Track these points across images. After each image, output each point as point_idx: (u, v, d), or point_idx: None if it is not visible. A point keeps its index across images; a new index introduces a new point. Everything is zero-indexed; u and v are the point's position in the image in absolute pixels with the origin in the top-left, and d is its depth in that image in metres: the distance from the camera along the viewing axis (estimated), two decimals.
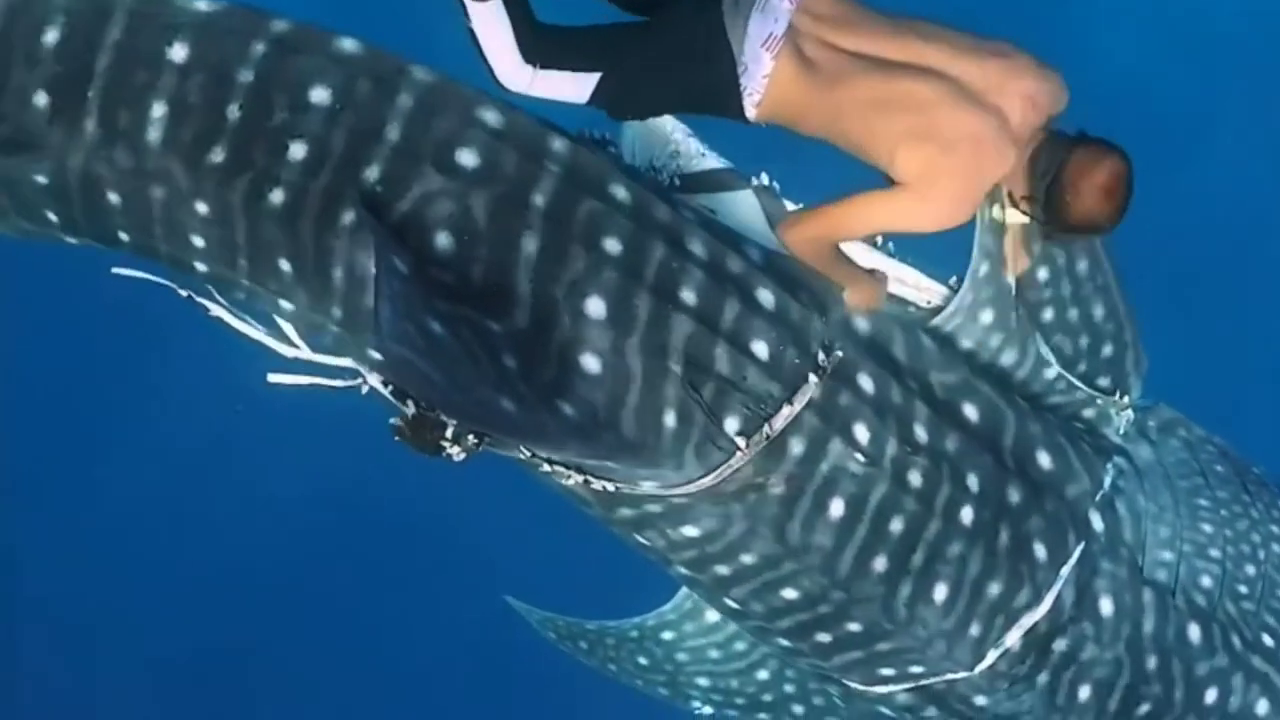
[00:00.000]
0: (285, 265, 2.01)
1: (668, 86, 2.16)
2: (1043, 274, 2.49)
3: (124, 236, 2.07)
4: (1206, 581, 2.55)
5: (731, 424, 2.11)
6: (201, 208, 1.98)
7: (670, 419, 2.07)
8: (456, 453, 2.09)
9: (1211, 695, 2.53)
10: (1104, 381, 2.58)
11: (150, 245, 2.07)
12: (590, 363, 2.01)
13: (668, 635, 2.95)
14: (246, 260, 2.03)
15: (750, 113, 2.15)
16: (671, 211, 2.14)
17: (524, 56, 2.07)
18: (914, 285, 2.51)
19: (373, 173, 1.96)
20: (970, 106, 2.09)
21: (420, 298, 1.90)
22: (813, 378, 2.17)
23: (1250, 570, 2.61)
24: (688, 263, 2.09)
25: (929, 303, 2.50)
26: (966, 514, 2.28)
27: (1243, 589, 2.59)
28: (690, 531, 2.23)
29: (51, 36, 1.94)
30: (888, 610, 2.28)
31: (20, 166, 1.98)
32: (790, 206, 2.43)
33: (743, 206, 2.38)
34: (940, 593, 2.28)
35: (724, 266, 2.15)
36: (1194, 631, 2.52)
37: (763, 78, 2.11)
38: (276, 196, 1.96)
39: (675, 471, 2.12)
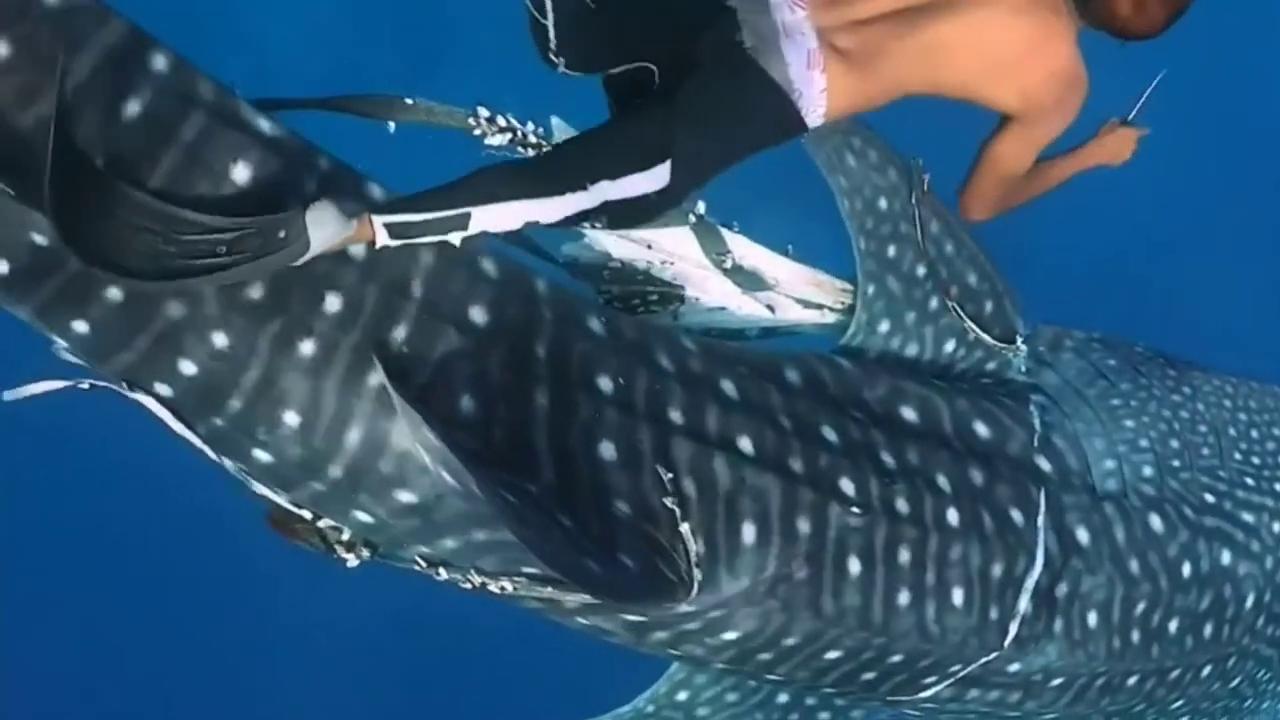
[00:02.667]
0: (292, 419, 1.97)
1: (734, 144, 2.17)
2: (920, 270, 2.71)
3: (80, 327, 1.90)
4: (1147, 471, 2.78)
5: (749, 531, 2.20)
6: (220, 340, 1.90)
7: (700, 545, 2.14)
8: (350, 559, 2.19)
9: (1187, 569, 2.77)
10: (996, 332, 2.78)
11: (108, 347, 1.92)
12: (621, 508, 2.08)
13: (682, 695, 3.00)
14: (243, 403, 1.95)
15: (818, 126, 2.21)
16: (632, 326, 2.28)
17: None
18: (828, 287, 2.72)
19: (400, 332, 1.97)
20: (1004, 15, 2.20)
21: (477, 472, 1.91)
22: (794, 455, 2.28)
23: (1175, 444, 2.85)
24: (665, 380, 2.21)
25: (842, 303, 2.71)
26: (952, 515, 2.43)
27: (1175, 463, 2.83)
28: (730, 636, 2.30)
29: (134, 109, 1.85)
30: (923, 633, 2.41)
31: (26, 222, 1.83)
32: (730, 240, 2.58)
33: (680, 251, 2.55)
34: (959, 596, 2.42)
35: (690, 370, 2.27)
36: (1155, 521, 2.74)
37: (820, 94, 2.15)
38: (306, 348, 1.94)
39: (711, 592, 2.18)
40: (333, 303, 1.94)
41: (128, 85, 1.85)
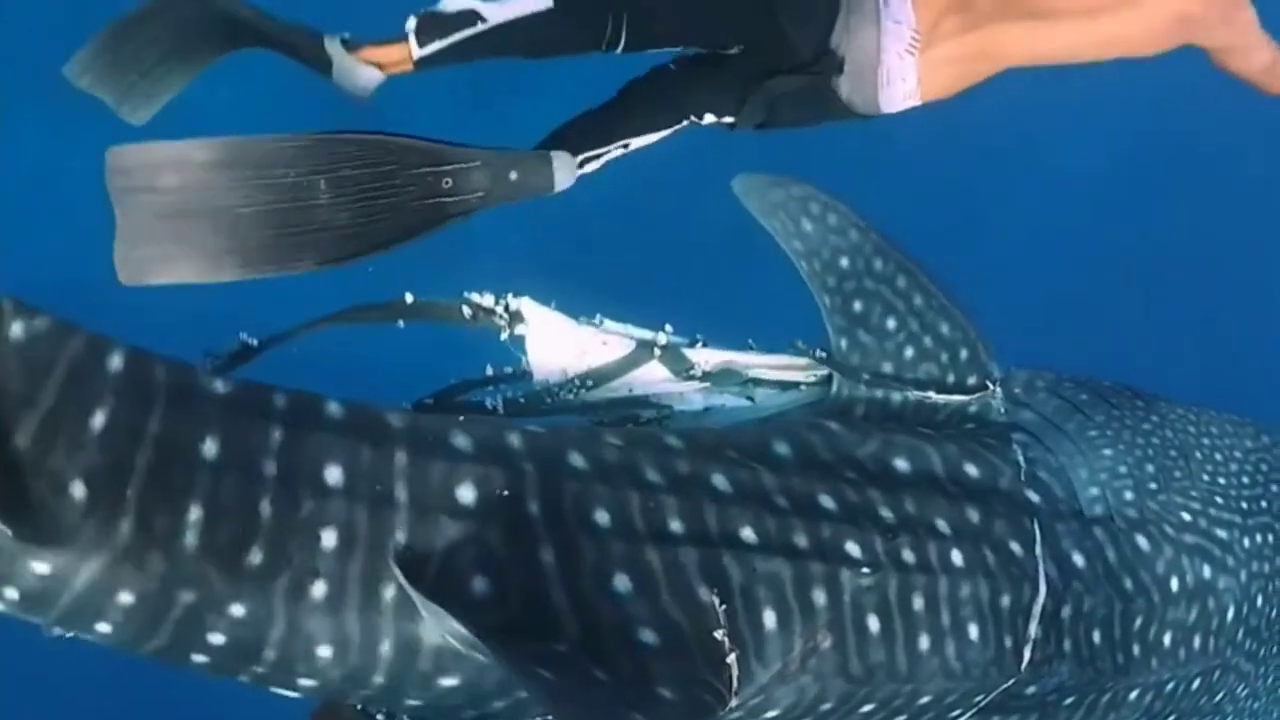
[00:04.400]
0: (325, 651, 2.01)
1: (818, 119, 2.72)
2: (891, 323, 2.86)
3: (104, 628, 1.93)
4: (1128, 495, 2.96)
5: (770, 617, 2.27)
6: (237, 610, 1.93)
7: (729, 648, 2.20)
8: None
9: (1175, 584, 2.95)
10: (973, 380, 2.94)
11: (135, 639, 1.95)
12: (648, 637, 2.12)
13: None
14: (276, 653, 2.00)
15: (914, 102, 2.53)
16: (614, 451, 2.30)
17: None
18: (796, 367, 2.85)
19: (399, 539, 2.01)
20: None
21: (507, 652, 1.95)
22: (798, 532, 2.37)
23: (1150, 468, 3.05)
24: (657, 494, 2.25)
25: (816, 376, 2.84)
26: (956, 556, 2.56)
27: (1152, 485, 3.02)
28: (772, 714, 2.38)
29: (98, 422, 1.86)
30: (947, 673, 2.52)
31: (25, 552, 1.83)
32: (693, 355, 2.71)
33: (654, 381, 2.61)
34: (974, 631, 2.55)
35: (678, 473, 2.33)
36: (1141, 541, 2.92)
37: (913, 81, 2.48)
38: (318, 590, 1.96)
39: (748, 684, 2.26)
40: (329, 539, 1.96)
41: (92, 397, 1.87)
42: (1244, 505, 3.22)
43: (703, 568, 2.22)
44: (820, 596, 2.34)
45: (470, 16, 2.51)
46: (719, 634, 2.19)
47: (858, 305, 2.83)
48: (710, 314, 2.86)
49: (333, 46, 2.50)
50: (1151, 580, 2.90)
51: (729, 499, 2.33)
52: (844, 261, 2.84)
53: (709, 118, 2.86)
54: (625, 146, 2.66)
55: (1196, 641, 3.03)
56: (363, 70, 2.44)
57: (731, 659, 2.20)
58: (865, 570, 2.40)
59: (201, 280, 2.19)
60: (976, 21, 2.78)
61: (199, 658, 2.00)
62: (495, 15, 2.55)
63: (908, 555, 2.48)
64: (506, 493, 2.11)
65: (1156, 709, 3.06)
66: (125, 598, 1.89)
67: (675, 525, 2.24)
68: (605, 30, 2.71)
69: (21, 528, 1.79)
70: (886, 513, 2.51)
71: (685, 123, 2.82)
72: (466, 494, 2.08)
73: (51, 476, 1.82)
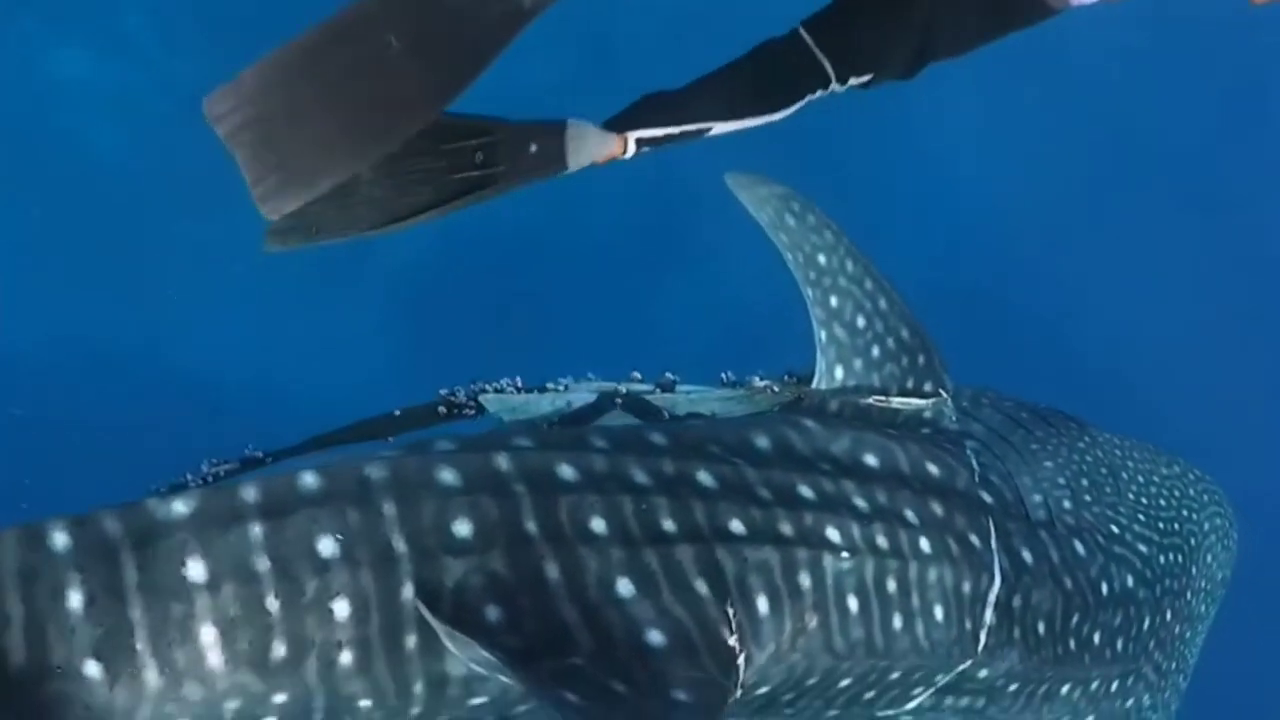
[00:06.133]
0: (365, 703, 2.09)
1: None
2: (860, 321, 3.04)
3: None
4: (1066, 504, 3.19)
5: (762, 603, 2.39)
6: (280, 698, 2.01)
7: (729, 636, 2.32)
8: None
9: (1104, 588, 3.18)
10: (928, 386, 3.12)
11: None
12: (655, 638, 2.21)
13: None
14: (322, 715, 2.08)
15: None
16: (601, 458, 2.38)
17: None
18: (768, 390, 3.06)
19: (408, 591, 2.06)
20: None
21: (529, 675, 2.05)
22: (783, 521, 2.49)
23: (1085, 482, 3.29)
24: (648, 496, 2.34)
25: (791, 392, 3.01)
26: (924, 544, 2.72)
27: (1087, 498, 3.26)
28: (763, 690, 2.50)
29: (76, 600, 1.87)
30: (917, 650, 2.68)
31: None
32: (656, 401, 2.87)
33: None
34: (940, 613, 2.71)
35: (666, 475, 2.42)
36: (1078, 546, 3.14)
37: None
38: (346, 658, 2.03)
39: (748, 668, 2.38)
40: (341, 609, 2.02)
41: (57, 583, 1.87)
42: (1160, 525, 3.50)
43: (698, 562, 2.32)
44: (806, 580, 2.47)
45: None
46: (728, 634, 2.30)
47: (834, 301, 3.00)
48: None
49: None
50: (1087, 582, 3.12)
51: (715, 494, 2.44)
52: (821, 258, 3.02)
53: (852, 80, 2.59)
54: (703, 130, 2.36)
55: (1119, 644, 3.26)
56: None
57: (741, 659, 2.31)
58: (845, 555, 2.54)
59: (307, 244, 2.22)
60: None
61: None
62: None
63: (881, 541, 2.63)
64: (502, 518, 2.16)
65: (1081, 707, 3.27)
66: (169, 709, 1.95)
67: (668, 525, 2.33)
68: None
69: None
70: (861, 502, 2.66)
71: (804, 101, 2.54)
72: (463, 528, 2.13)
73: (62, 672, 1.85)
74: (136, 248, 7.66)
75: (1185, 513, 3.64)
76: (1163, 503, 3.56)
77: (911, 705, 2.86)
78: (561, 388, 2.86)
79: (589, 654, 2.13)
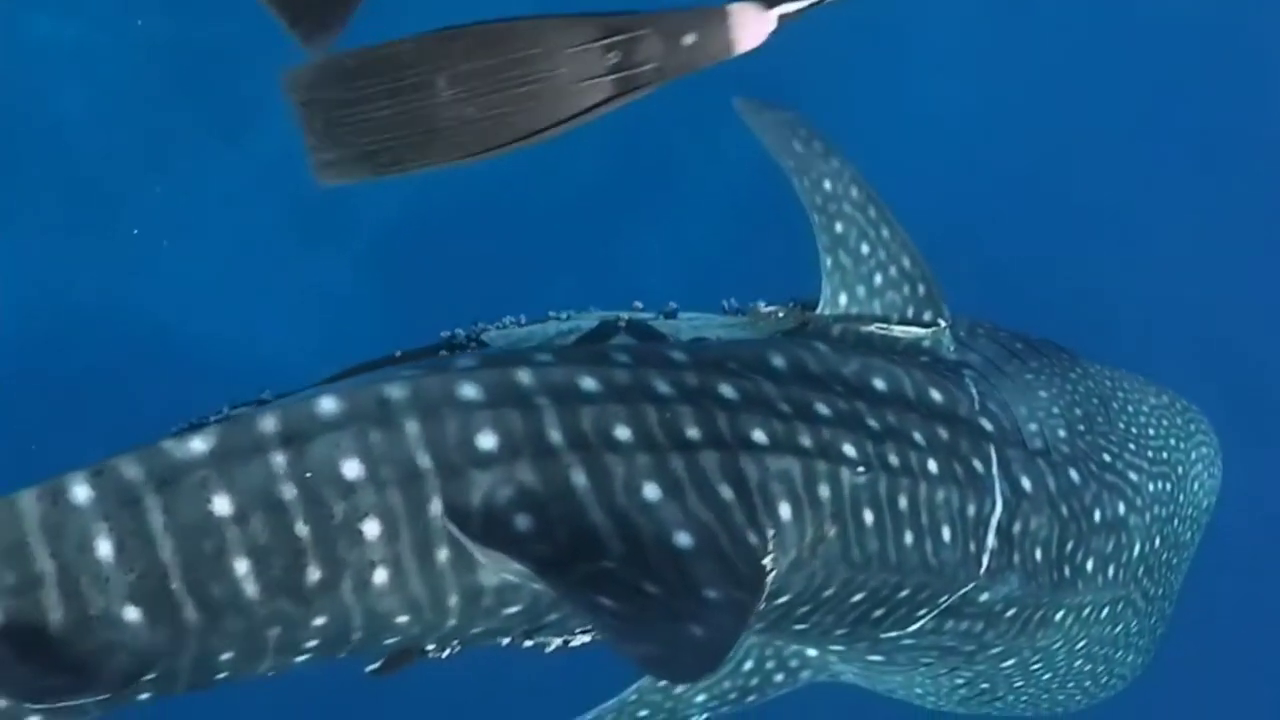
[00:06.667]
0: (402, 619, 2.12)
1: None
2: (864, 249, 3.05)
3: (221, 677, 2.06)
4: (1061, 433, 3.24)
5: (785, 509, 2.43)
6: (319, 621, 2.03)
7: (754, 539, 2.36)
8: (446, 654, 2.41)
9: (1097, 515, 3.25)
10: (928, 315, 3.15)
11: (247, 673, 2.09)
12: (684, 540, 2.24)
13: (664, 680, 3.26)
14: (361, 633, 2.11)
15: None
16: (623, 370, 2.39)
17: None
18: (772, 315, 3.04)
19: (435, 506, 2.07)
20: None
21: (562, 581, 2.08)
22: (803, 433, 2.53)
23: (1078, 412, 3.35)
24: (670, 405, 2.36)
25: (795, 319, 3.02)
26: (932, 465, 2.77)
27: (1080, 427, 3.32)
28: (781, 600, 2.55)
29: (105, 549, 1.87)
30: (926, 568, 2.73)
31: (134, 688, 1.92)
32: (660, 327, 2.85)
33: None
34: (947, 534, 2.76)
35: (688, 385, 2.44)
36: (1073, 474, 3.20)
37: None
38: (380, 576, 2.04)
39: (771, 572, 2.41)
40: (372, 529, 2.03)
41: (84, 535, 1.86)
42: (1149, 454, 3.57)
43: (723, 469, 2.35)
44: (825, 491, 2.52)
45: None
46: (754, 537, 2.33)
47: (839, 227, 3.02)
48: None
49: None
50: (1081, 509, 3.19)
51: (737, 405, 2.47)
52: (826, 184, 3.03)
53: None
54: None
55: (1110, 571, 3.34)
56: None
57: (766, 561, 2.34)
58: (860, 469, 2.59)
59: (374, 178, 2.10)
60: None
61: (300, 659, 2.11)
62: None
63: (893, 459, 2.68)
64: (527, 430, 2.16)
65: (1074, 633, 3.35)
66: (225, 656, 1.99)
67: (692, 432, 2.35)
68: None
69: (113, 684, 1.85)
70: (873, 422, 2.70)
71: None
72: (487, 441, 2.12)
73: (102, 621, 1.86)
74: (107, 209, 7.58)
75: (1173, 442, 3.72)
76: (1151, 432, 3.63)
77: (914, 627, 2.92)
78: (564, 317, 2.86)
79: (619, 558, 2.15)
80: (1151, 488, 3.52)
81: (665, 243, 7.70)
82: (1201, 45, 8.37)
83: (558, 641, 2.44)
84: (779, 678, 3.35)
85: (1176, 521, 3.73)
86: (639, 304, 2.89)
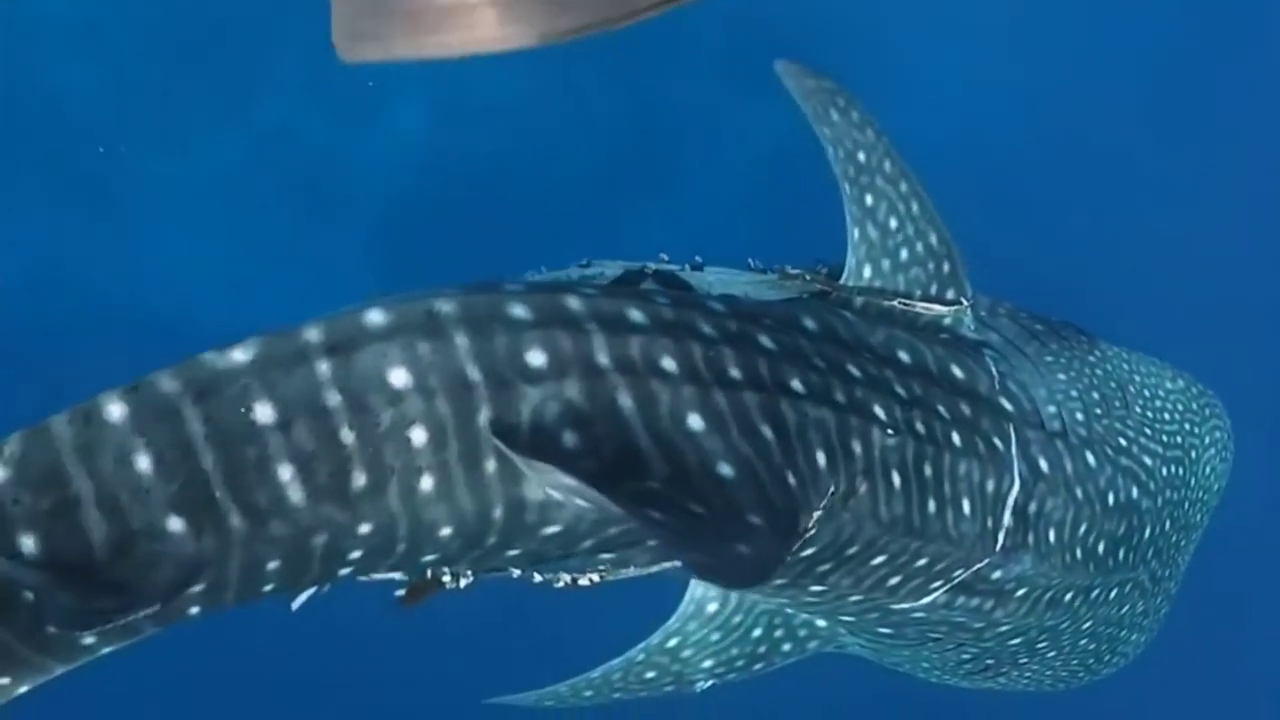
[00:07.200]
0: (446, 531, 2.09)
1: None
2: (893, 223, 3.05)
3: (268, 588, 2.01)
4: (1079, 416, 3.24)
5: (821, 457, 2.44)
6: (365, 528, 1.99)
7: (792, 479, 2.37)
8: (463, 584, 2.39)
9: (1111, 499, 3.25)
10: (951, 293, 3.15)
11: (292, 584, 2.05)
12: (726, 470, 2.24)
13: (673, 643, 3.27)
14: (405, 544, 2.08)
15: None
16: (670, 308, 2.38)
17: None
18: (796, 278, 3.02)
19: (484, 416, 2.04)
20: None
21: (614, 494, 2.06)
22: (837, 389, 2.54)
23: (1096, 395, 3.35)
24: (715, 346, 2.35)
25: (818, 284, 2.99)
26: (955, 437, 2.79)
27: (1098, 411, 3.32)
28: (807, 552, 2.55)
29: (144, 463, 1.82)
30: (946, 537, 2.76)
31: (183, 600, 1.88)
32: (685, 278, 2.83)
33: None
34: (966, 507, 2.78)
35: (730, 330, 2.44)
36: (1089, 457, 3.20)
37: None
38: (426, 483, 2.01)
39: (805, 514, 2.43)
40: (419, 436, 1.99)
41: (121, 451, 1.83)
42: (1164, 438, 3.57)
43: (763, 410, 2.35)
44: (857, 447, 2.53)
45: None
46: (792, 477, 2.34)
47: (869, 199, 3.01)
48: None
49: None
50: (1096, 493, 3.19)
51: (776, 355, 2.47)
52: (861, 156, 3.02)
53: None
54: None
55: (1120, 553, 3.34)
56: None
57: (802, 501, 2.34)
58: (890, 432, 2.61)
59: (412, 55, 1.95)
60: None
61: (343, 571, 2.08)
62: None
63: (920, 427, 2.70)
64: (574, 351, 2.15)
65: (1081, 613, 3.35)
66: (272, 565, 1.95)
67: (735, 372, 2.35)
68: None
69: (161, 596, 1.81)
70: (900, 389, 2.72)
71: None
72: (536, 358, 2.11)
73: (146, 536, 1.81)
74: (110, 185, 7.53)
75: (1188, 426, 3.71)
76: (1167, 416, 3.63)
77: (927, 600, 2.93)
78: (586, 264, 2.83)
79: (664, 479, 2.16)
80: (1165, 472, 3.52)
81: (672, 222, 7.67)
82: (1210, 20, 8.35)
83: (566, 578, 2.42)
84: (787, 647, 3.36)
85: (1187, 505, 3.73)
86: (664, 256, 2.86)
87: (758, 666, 3.36)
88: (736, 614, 3.24)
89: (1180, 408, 3.73)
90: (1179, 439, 3.65)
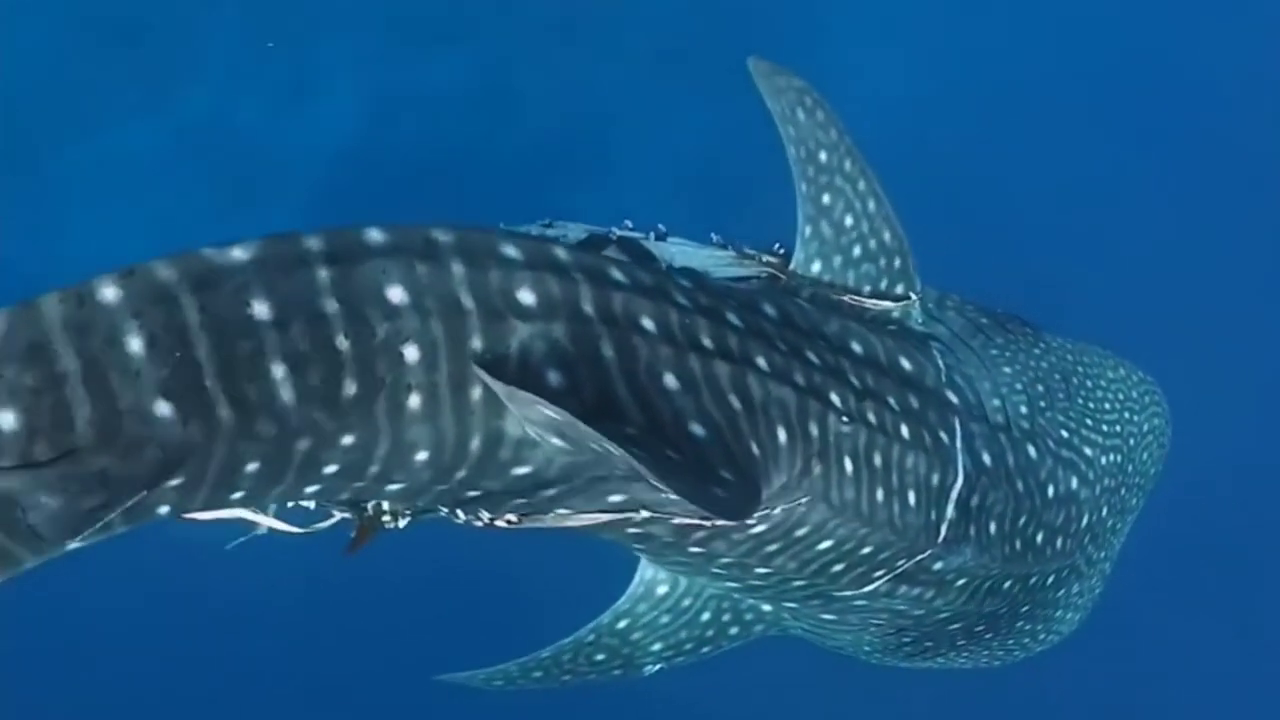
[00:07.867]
0: (422, 456, 2.09)
1: None
2: (848, 221, 3.09)
3: (237, 495, 1.99)
4: (1023, 409, 3.30)
5: (781, 434, 2.49)
6: (348, 439, 1.98)
7: (756, 450, 2.42)
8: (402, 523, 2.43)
9: (1051, 491, 3.33)
10: (900, 288, 3.19)
11: (261, 494, 2.02)
12: (698, 430, 2.31)
13: (623, 624, 3.32)
14: (378, 466, 2.07)
15: None
16: (647, 273, 2.42)
17: None
18: (753, 259, 3.05)
19: (475, 344, 2.06)
20: None
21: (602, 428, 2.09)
22: (797, 371, 2.58)
23: (1040, 388, 3.41)
24: (689, 315, 2.40)
25: (770, 266, 3.02)
26: (904, 429, 2.84)
27: (1041, 404, 3.38)
28: (759, 528, 2.61)
29: (136, 344, 1.76)
30: (892, 526, 2.81)
31: (161, 492, 1.83)
32: (650, 247, 2.82)
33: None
34: (912, 498, 2.84)
35: (701, 303, 2.48)
36: (1031, 450, 3.27)
37: None
38: (414, 401, 2.01)
39: (765, 487, 2.47)
40: (411, 353, 1.99)
41: (112, 331, 1.78)
42: (1104, 428, 3.64)
43: (732, 380, 2.41)
44: (814, 429, 2.59)
45: None
46: (755, 447, 2.40)
47: (826, 198, 3.04)
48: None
49: None
50: (1036, 486, 3.26)
51: (744, 332, 2.52)
52: (823, 155, 3.05)
53: None
54: None
55: (1059, 542, 3.42)
56: None
57: (763, 470, 2.39)
58: (845, 419, 2.66)
59: None
60: None
61: (311, 489, 2.06)
62: None
63: (872, 418, 2.75)
64: (563, 294, 2.18)
65: (1020, 599, 3.44)
66: (250, 467, 1.91)
67: (707, 341, 2.40)
68: None
69: (142, 482, 1.77)
70: (854, 379, 2.77)
71: None
72: (527, 297, 2.13)
73: (132, 416, 1.75)
74: (38, 172, 7.39)
75: (1127, 415, 3.79)
76: (1107, 406, 3.70)
77: (869, 589, 2.99)
78: (547, 223, 2.82)
79: (640, 426, 2.21)
80: (1104, 461, 3.60)
81: (602, 210, 7.65)
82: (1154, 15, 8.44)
83: (486, 517, 2.43)
84: (734, 630, 3.42)
85: (1124, 490, 3.82)
86: (629, 222, 2.87)
87: (705, 650, 3.42)
88: (685, 597, 3.29)
89: (1121, 396, 3.80)
90: (1118, 428, 3.73)
